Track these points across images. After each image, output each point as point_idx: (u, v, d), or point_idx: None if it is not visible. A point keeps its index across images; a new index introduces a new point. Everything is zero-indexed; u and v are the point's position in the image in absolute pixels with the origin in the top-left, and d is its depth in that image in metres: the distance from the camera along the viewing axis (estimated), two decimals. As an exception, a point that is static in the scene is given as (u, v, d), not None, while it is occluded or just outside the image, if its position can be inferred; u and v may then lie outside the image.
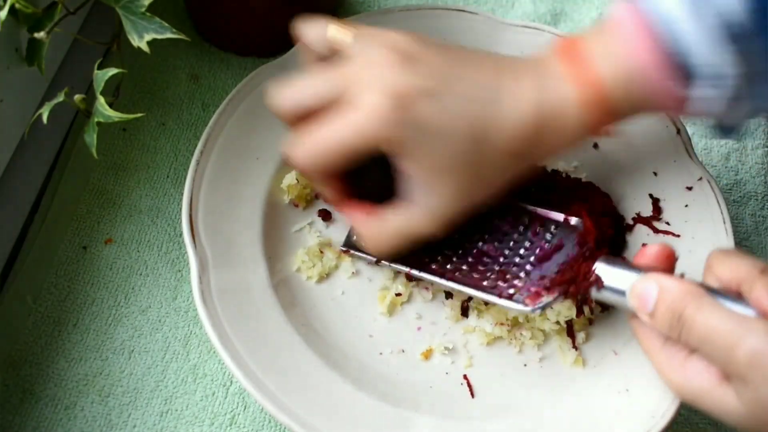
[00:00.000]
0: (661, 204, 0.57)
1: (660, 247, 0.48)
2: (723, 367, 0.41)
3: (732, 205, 0.63)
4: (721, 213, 0.55)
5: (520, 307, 0.49)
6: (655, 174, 0.58)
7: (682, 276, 0.45)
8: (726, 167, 0.65)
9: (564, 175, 0.58)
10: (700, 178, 0.57)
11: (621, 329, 0.53)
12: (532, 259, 0.52)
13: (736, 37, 0.42)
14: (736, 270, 0.44)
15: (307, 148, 0.48)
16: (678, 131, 0.59)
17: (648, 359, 0.47)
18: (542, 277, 0.51)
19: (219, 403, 0.53)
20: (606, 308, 0.54)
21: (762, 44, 0.43)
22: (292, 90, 0.49)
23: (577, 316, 0.52)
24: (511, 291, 0.51)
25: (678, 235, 0.56)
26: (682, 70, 0.44)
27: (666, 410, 0.48)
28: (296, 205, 0.58)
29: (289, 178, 0.57)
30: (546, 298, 0.49)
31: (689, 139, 0.59)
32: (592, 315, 0.54)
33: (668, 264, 0.47)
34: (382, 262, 0.54)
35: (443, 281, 0.52)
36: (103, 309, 0.56)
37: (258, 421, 0.52)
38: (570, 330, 0.53)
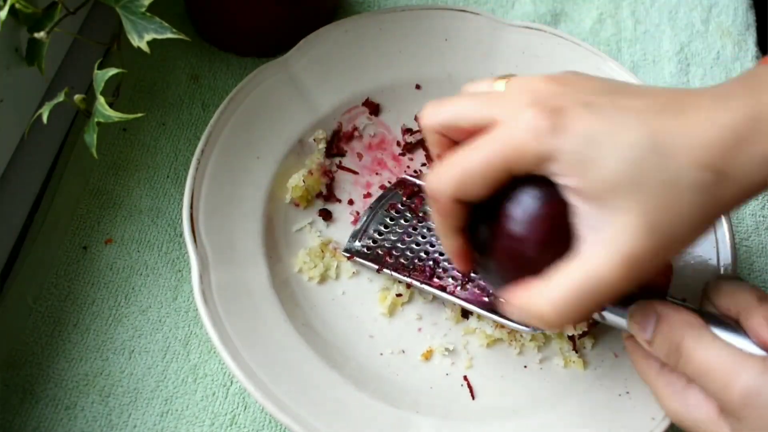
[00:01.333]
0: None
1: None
2: (718, 402, 0.41)
3: (732, 206, 0.63)
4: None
5: (521, 327, 0.50)
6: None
7: (683, 300, 0.45)
8: (726, 168, 0.64)
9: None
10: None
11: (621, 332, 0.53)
12: None
13: None
14: (734, 299, 0.43)
15: (450, 170, 0.41)
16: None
17: (643, 381, 0.46)
18: None
19: (219, 403, 0.53)
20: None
21: None
22: (443, 105, 0.44)
23: (574, 327, 0.52)
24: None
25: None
26: None
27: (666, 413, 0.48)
28: (297, 205, 0.58)
29: (295, 179, 0.57)
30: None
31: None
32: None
33: (666, 276, 0.47)
34: (384, 270, 0.54)
35: (445, 295, 0.52)
36: (103, 309, 0.55)
37: (258, 421, 0.52)
38: (572, 336, 0.53)
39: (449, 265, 0.54)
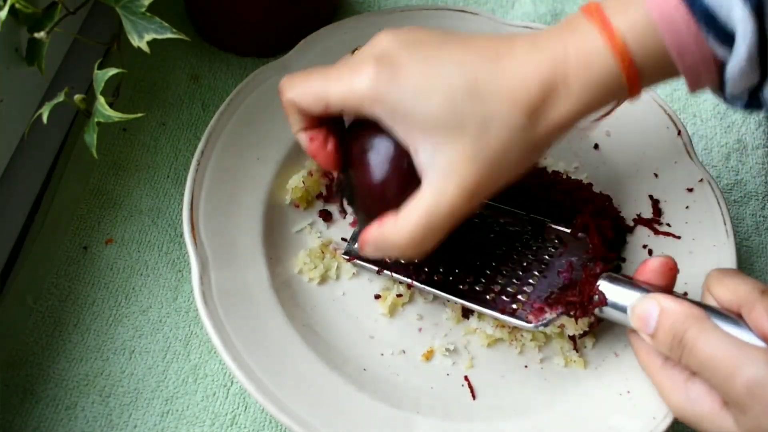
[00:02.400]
0: (662, 205, 0.57)
1: (662, 262, 0.48)
2: (722, 394, 0.41)
3: (732, 205, 0.63)
4: (722, 215, 0.55)
5: (522, 323, 0.50)
6: (656, 175, 0.58)
7: (684, 295, 0.45)
8: (726, 167, 0.65)
9: (565, 176, 0.58)
10: (701, 180, 0.57)
11: (622, 331, 0.53)
12: (536, 272, 0.52)
13: None
14: (735, 291, 0.44)
15: (299, 82, 0.48)
16: (678, 132, 0.59)
17: (647, 375, 0.47)
18: (546, 292, 0.51)
19: (220, 403, 0.53)
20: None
21: None
22: (298, 81, 0.49)
23: (577, 321, 0.52)
24: (514, 306, 0.51)
25: (679, 237, 0.56)
26: (704, 16, 0.42)
27: (667, 412, 0.48)
28: (297, 206, 0.58)
29: (295, 180, 0.57)
30: (549, 315, 0.50)
31: (690, 140, 0.59)
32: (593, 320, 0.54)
33: (670, 277, 0.48)
34: (384, 271, 0.54)
35: (445, 294, 0.53)
36: (103, 309, 0.55)
37: (259, 422, 0.52)
38: (573, 336, 0.53)
39: (450, 265, 0.54)
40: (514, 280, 0.53)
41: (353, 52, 0.51)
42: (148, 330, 0.55)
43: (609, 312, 0.48)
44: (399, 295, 0.55)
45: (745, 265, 0.60)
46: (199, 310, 0.50)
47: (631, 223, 0.57)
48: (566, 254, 0.53)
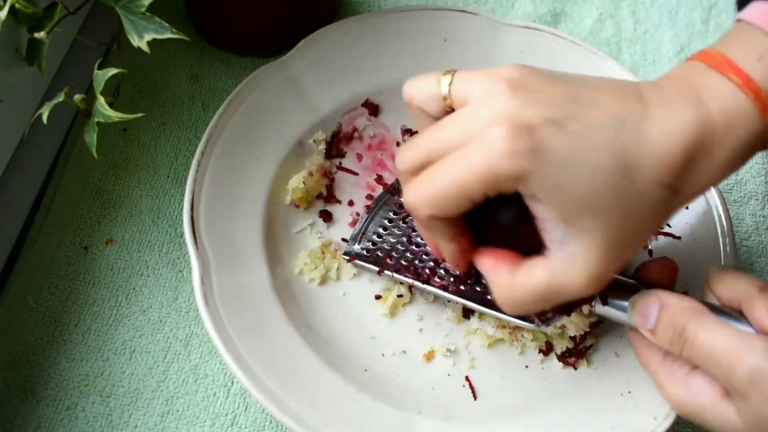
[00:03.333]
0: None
1: (662, 264, 0.48)
2: (724, 384, 0.41)
3: (732, 205, 0.63)
4: (722, 215, 0.55)
5: (524, 323, 0.50)
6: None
7: (685, 293, 0.45)
8: (726, 168, 0.65)
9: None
10: (701, 179, 0.57)
11: (622, 331, 0.53)
12: None
13: None
14: (735, 288, 0.44)
15: (425, 189, 0.42)
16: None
17: (647, 372, 0.47)
18: None
19: (220, 403, 0.53)
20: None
21: None
22: (408, 147, 0.44)
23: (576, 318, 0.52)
24: None
25: (679, 237, 0.56)
26: None
27: (668, 412, 0.48)
28: (297, 206, 0.58)
29: (296, 180, 0.57)
30: (550, 314, 0.49)
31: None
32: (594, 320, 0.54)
33: (671, 279, 0.48)
34: (385, 272, 0.54)
35: (447, 295, 0.52)
36: (104, 309, 0.55)
37: (259, 422, 0.52)
38: (574, 336, 0.53)
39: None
40: None
41: (443, 74, 0.44)
42: (149, 330, 0.55)
43: (609, 311, 0.47)
44: (400, 296, 0.55)
45: (745, 265, 0.60)
46: (200, 311, 0.50)
47: (632, 223, 0.57)
48: None
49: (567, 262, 0.40)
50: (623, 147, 0.39)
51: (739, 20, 0.44)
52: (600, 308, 0.48)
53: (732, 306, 0.44)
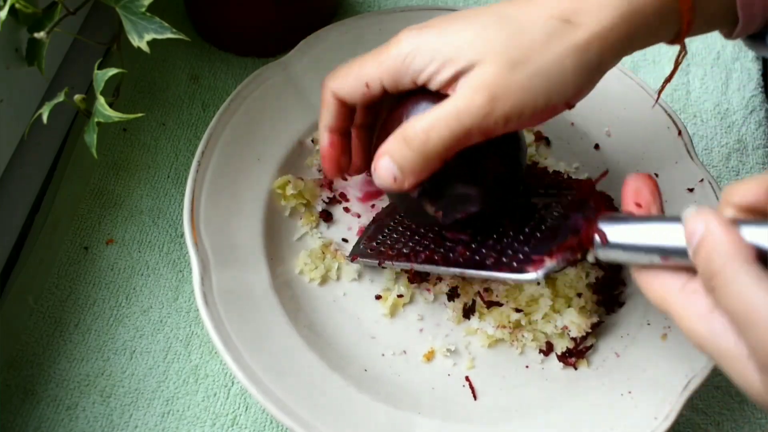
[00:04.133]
0: (663, 205, 0.57)
1: (641, 181, 0.45)
2: (757, 357, 0.36)
3: (732, 206, 0.63)
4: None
5: (523, 276, 0.47)
6: (657, 175, 0.58)
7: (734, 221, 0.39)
8: (727, 167, 0.65)
9: (566, 176, 0.58)
10: (701, 180, 0.57)
11: (623, 332, 0.53)
12: (537, 233, 0.49)
13: None
14: (757, 190, 0.39)
15: (339, 69, 0.49)
16: (679, 132, 0.59)
17: (660, 306, 0.41)
18: (547, 248, 0.47)
19: (221, 403, 0.53)
20: (609, 311, 0.54)
21: None
22: (339, 69, 0.49)
23: (579, 261, 0.48)
24: (514, 264, 0.48)
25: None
26: None
27: (668, 412, 0.48)
28: (300, 218, 0.58)
29: (286, 186, 0.57)
30: (549, 264, 0.46)
31: (690, 140, 0.59)
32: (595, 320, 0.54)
33: (656, 194, 0.45)
34: (386, 262, 0.53)
35: (444, 268, 0.51)
36: (104, 309, 0.55)
37: (259, 422, 0.52)
38: (574, 337, 0.53)
39: (450, 244, 0.52)
40: (515, 244, 0.50)
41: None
42: (149, 330, 0.55)
43: (611, 253, 0.44)
44: (400, 296, 0.55)
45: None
46: (200, 312, 0.50)
47: (632, 223, 0.57)
48: (565, 215, 0.50)
49: (464, 88, 0.43)
50: (505, 5, 0.45)
51: None
52: (602, 251, 0.44)
53: (759, 208, 0.39)
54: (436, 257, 0.51)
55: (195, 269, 0.51)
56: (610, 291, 0.55)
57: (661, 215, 0.44)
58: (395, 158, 0.45)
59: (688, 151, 0.58)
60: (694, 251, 0.39)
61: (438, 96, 0.45)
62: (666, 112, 0.60)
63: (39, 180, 0.60)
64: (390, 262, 0.53)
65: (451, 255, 0.51)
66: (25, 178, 0.59)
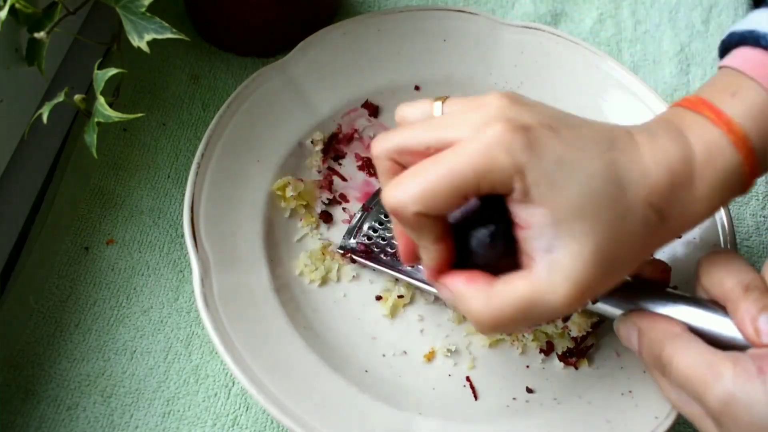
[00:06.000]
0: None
1: (653, 263, 0.47)
2: (702, 408, 0.40)
3: (733, 205, 0.63)
4: (723, 213, 0.55)
5: None
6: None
7: (674, 288, 0.45)
8: (727, 168, 0.65)
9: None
10: (701, 179, 0.57)
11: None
12: None
13: None
14: (720, 286, 0.42)
15: (415, 182, 0.39)
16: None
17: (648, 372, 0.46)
18: None
19: (221, 404, 0.53)
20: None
21: None
22: (394, 132, 0.43)
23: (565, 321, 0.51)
24: None
25: (680, 236, 0.55)
26: None
27: (669, 411, 0.48)
28: (300, 220, 0.58)
29: (287, 190, 0.57)
30: None
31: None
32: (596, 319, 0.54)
33: (663, 278, 0.47)
34: (379, 267, 0.54)
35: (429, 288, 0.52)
36: (105, 310, 0.55)
37: (260, 422, 0.52)
38: (575, 337, 0.53)
39: None
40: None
41: (434, 100, 0.44)
42: (150, 330, 0.55)
43: (598, 306, 0.46)
44: (400, 296, 0.55)
45: (745, 264, 0.60)
46: (200, 313, 0.50)
47: (632, 223, 0.57)
48: None
49: (551, 271, 0.38)
50: (615, 161, 0.40)
51: (720, 67, 0.45)
52: (590, 305, 0.47)
53: (720, 301, 0.43)
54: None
55: (195, 271, 0.51)
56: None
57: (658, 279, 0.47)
58: (454, 306, 0.44)
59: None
60: (638, 349, 0.44)
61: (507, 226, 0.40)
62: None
63: (39, 180, 0.60)
64: (383, 268, 0.53)
65: None
66: (25, 178, 0.59)
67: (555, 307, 0.39)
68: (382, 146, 0.42)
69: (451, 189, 0.39)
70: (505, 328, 0.41)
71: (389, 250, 0.55)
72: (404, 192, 0.39)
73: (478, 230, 0.42)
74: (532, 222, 0.39)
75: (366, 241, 0.56)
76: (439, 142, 0.40)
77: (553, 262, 0.38)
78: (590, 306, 0.47)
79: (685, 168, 0.41)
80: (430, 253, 0.42)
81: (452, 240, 0.42)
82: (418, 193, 0.39)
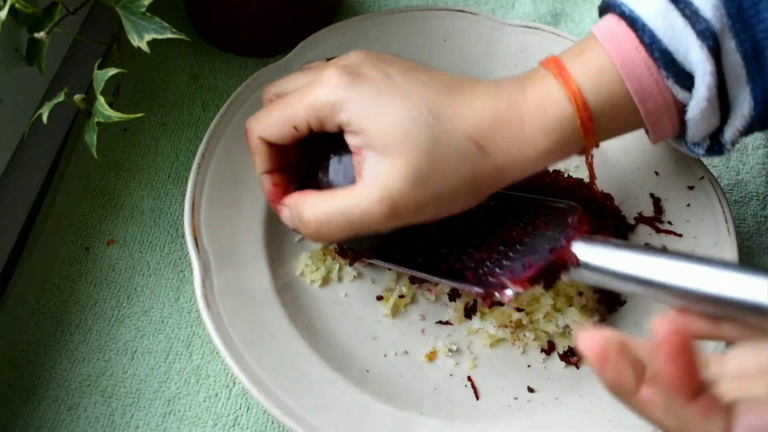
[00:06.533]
0: (663, 204, 0.57)
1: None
2: None
3: (734, 206, 0.63)
4: (723, 212, 0.55)
5: (497, 296, 0.48)
6: (657, 173, 0.58)
7: None
8: (727, 167, 0.65)
9: (566, 174, 0.58)
10: (702, 177, 0.57)
11: (624, 330, 0.53)
12: (518, 246, 0.51)
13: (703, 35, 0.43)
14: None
15: (262, 114, 0.49)
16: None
17: None
18: (526, 264, 0.49)
19: (222, 404, 0.53)
20: (611, 309, 0.54)
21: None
22: (277, 81, 0.52)
23: (547, 288, 0.51)
24: (492, 279, 0.49)
25: (680, 235, 0.56)
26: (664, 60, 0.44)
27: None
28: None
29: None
30: (519, 288, 0.47)
31: (690, 139, 0.59)
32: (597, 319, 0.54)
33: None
34: (372, 260, 0.54)
35: (423, 274, 0.52)
36: (105, 310, 0.55)
37: (261, 423, 0.52)
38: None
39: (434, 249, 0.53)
40: (495, 255, 0.51)
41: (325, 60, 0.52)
42: (150, 330, 0.55)
43: (583, 274, 0.46)
44: (401, 296, 0.55)
45: (746, 264, 0.61)
46: (201, 313, 0.50)
47: (633, 222, 0.57)
48: (553, 230, 0.50)
49: (368, 183, 0.45)
50: (437, 100, 0.46)
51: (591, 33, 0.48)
52: (574, 273, 0.46)
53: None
54: (419, 260, 0.52)
55: (196, 271, 0.51)
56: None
57: (641, 245, 0.47)
58: (293, 224, 0.49)
59: (689, 150, 0.58)
60: None
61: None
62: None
63: (39, 180, 0.60)
64: (377, 261, 0.54)
65: (434, 259, 0.52)
66: (25, 178, 0.59)
67: (371, 213, 0.45)
68: (264, 93, 0.52)
69: (284, 120, 0.47)
70: (329, 233, 0.47)
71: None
72: (253, 120, 0.49)
73: (323, 163, 0.50)
74: (358, 147, 0.46)
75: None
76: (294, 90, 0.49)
77: (371, 177, 0.45)
78: (574, 273, 0.46)
79: (511, 110, 0.46)
80: (264, 181, 0.50)
81: (286, 175, 0.51)
82: (261, 120, 0.49)
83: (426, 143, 0.44)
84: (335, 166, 0.50)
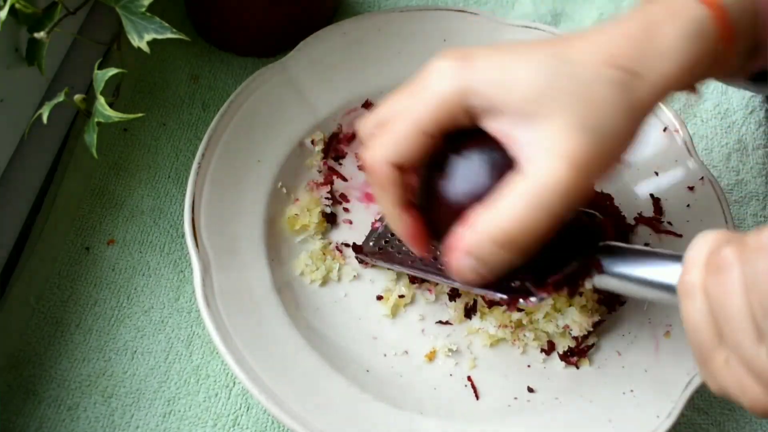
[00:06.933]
0: (663, 204, 0.57)
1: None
2: None
3: (733, 206, 0.63)
4: (723, 212, 0.55)
5: (527, 302, 0.47)
6: (657, 174, 0.58)
7: None
8: (727, 167, 0.65)
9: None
10: (702, 178, 0.57)
11: (624, 329, 0.53)
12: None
13: None
14: None
15: (383, 138, 0.42)
16: (678, 131, 0.59)
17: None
18: (544, 270, 0.47)
19: (222, 404, 0.53)
20: (611, 309, 0.54)
21: None
22: (369, 115, 0.45)
23: (571, 295, 0.50)
24: (513, 284, 0.47)
25: (680, 235, 0.56)
26: None
27: (671, 410, 0.48)
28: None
29: (294, 209, 0.57)
30: (545, 295, 0.46)
31: (690, 138, 0.59)
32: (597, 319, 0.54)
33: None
34: (394, 265, 0.53)
35: (439, 278, 0.51)
36: (105, 310, 0.55)
37: (261, 423, 0.52)
38: (577, 336, 0.53)
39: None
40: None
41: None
42: (150, 330, 0.55)
43: (607, 281, 0.45)
44: (401, 296, 0.55)
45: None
46: (201, 313, 0.50)
47: (633, 222, 0.57)
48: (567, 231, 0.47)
49: (541, 159, 0.38)
50: (564, 47, 0.41)
51: None
52: (598, 279, 0.46)
53: None
54: (439, 265, 0.51)
55: (196, 271, 0.51)
56: (611, 290, 0.55)
57: (665, 252, 0.44)
58: (484, 259, 0.40)
59: (688, 149, 0.58)
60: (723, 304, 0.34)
61: (491, 145, 0.41)
62: (665, 110, 0.60)
63: (39, 180, 0.60)
64: (384, 263, 0.54)
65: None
66: (25, 178, 0.59)
67: (565, 188, 0.38)
68: (365, 131, 0.45)
69: (411, 131, 0.41)
70: (533, 228, 0.38)
71: (405, 249, 0.54)
72: (375, 148, 0.42)
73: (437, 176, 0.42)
74: (504, 131, 0.40)
75: (383, 243, 0.55)
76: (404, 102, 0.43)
77: (541, 149, 0.38)
78: (598, 280, 0.45)
79: (641, 27, 0.40)
80: (400, 221, 0.43)
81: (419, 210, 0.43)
82: (386, 144, 0.41)
83: (575, 89, 0.39)
84: (462, 171, 0.42)
